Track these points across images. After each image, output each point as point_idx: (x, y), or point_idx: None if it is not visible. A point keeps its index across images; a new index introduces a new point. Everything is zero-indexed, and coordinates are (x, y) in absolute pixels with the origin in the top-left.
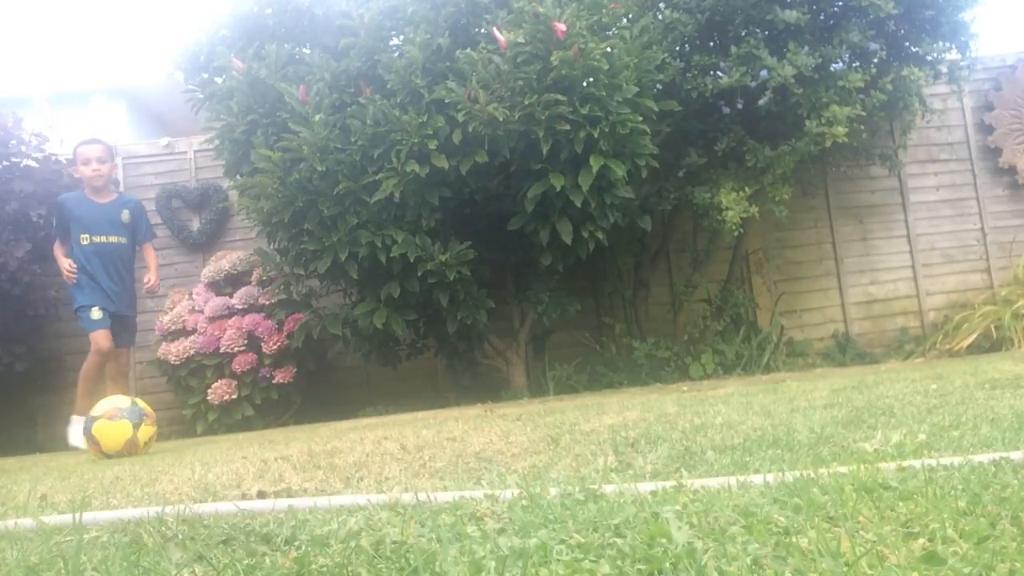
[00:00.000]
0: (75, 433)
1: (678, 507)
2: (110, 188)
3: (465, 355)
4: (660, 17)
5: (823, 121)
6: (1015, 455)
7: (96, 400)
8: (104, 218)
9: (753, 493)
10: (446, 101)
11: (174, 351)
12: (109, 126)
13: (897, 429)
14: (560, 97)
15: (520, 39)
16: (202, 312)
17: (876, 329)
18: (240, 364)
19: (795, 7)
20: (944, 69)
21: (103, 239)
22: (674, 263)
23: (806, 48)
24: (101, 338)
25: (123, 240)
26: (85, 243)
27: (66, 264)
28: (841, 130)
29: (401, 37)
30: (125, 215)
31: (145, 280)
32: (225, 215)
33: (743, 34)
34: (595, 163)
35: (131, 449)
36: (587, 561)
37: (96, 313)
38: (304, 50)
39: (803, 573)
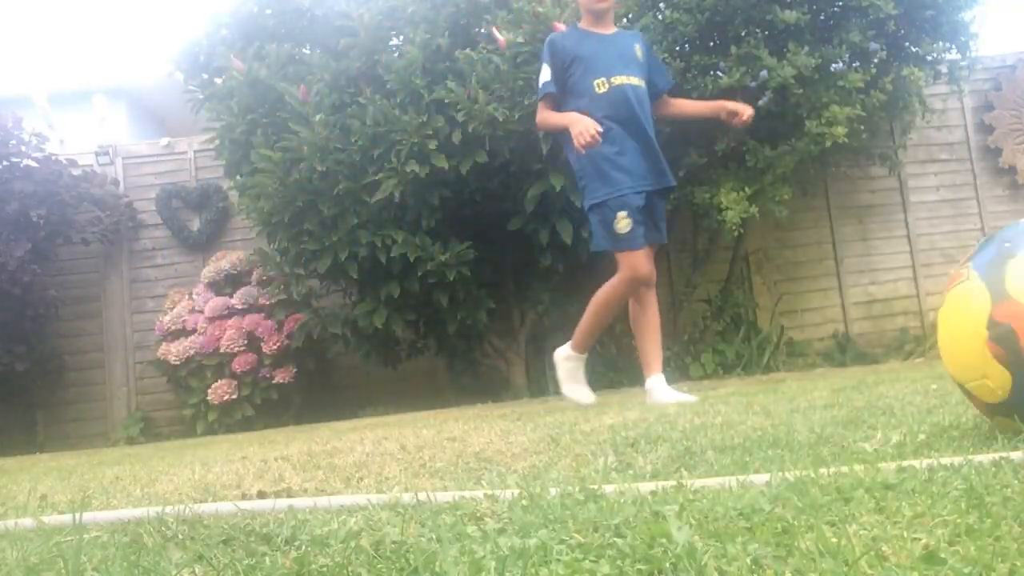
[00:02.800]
0: (573, 386)
1: (678, 507)
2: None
3: (465, 355)
4: (660, 17)
5: (823, 121)
6: (1015, 455)
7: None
8: (617, 53)
9: (753, 493)
10: (446, 101)
11: (174, 351)
12: (109, 126)
13: (897, 429)
14: None
15: (520, 39)
16: (202, 312)
17: (876, 329)
18: (240, 364)
19: (795, 7)
20: (944, 69)
21: (624, 79)
22: (674, 263)
23: (806, 48)
24: (640, 263)
25: (644, 84)
26: (601, 90)
27: (589, 126)
28: (841, 130)
29: (401, 37)
30: (638, 50)
31: (737, 111)
32: (225, 215)
33: (743, 34)
34: None
35: None
36: (587, 561)
37: (623, 223)
38: (304, 50)
39: (803, 573)
